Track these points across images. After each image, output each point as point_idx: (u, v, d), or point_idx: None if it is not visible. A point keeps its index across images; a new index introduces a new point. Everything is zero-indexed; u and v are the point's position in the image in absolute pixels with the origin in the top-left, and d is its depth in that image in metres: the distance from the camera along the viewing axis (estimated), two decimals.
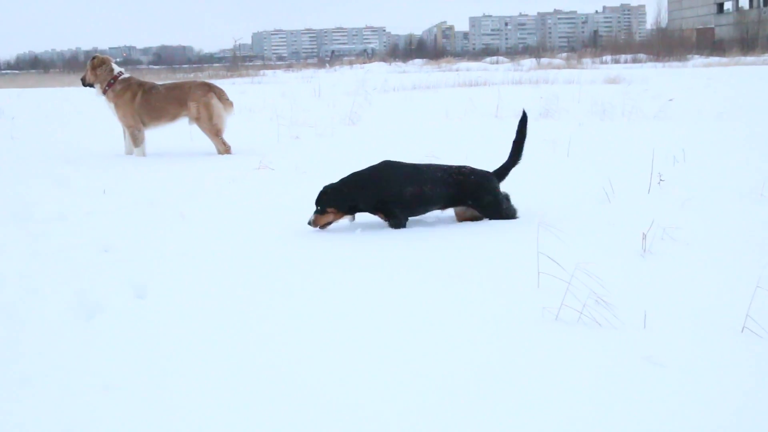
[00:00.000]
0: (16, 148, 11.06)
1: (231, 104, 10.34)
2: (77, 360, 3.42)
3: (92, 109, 16.63)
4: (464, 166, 6.08)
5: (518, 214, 5.97)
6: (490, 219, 5.90)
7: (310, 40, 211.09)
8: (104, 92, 10.32)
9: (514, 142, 6.26)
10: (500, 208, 5.92)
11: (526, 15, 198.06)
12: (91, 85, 10.47)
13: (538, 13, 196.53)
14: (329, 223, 5.77)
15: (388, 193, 5.77)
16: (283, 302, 4.08)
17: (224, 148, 10.05)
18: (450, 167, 6.05)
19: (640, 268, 4.54)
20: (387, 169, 5.93)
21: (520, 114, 6.41)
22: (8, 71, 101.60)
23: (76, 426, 2.84)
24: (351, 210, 5.82)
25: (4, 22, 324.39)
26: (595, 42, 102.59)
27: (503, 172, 6.17)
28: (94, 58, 10.48)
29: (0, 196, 6.92)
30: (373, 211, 5.84)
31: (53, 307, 4.08)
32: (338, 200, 5.73)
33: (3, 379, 3.25)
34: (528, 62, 53.83)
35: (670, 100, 14.21)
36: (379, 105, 17.62)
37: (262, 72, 55.77)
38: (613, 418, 2.79)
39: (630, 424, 2.74)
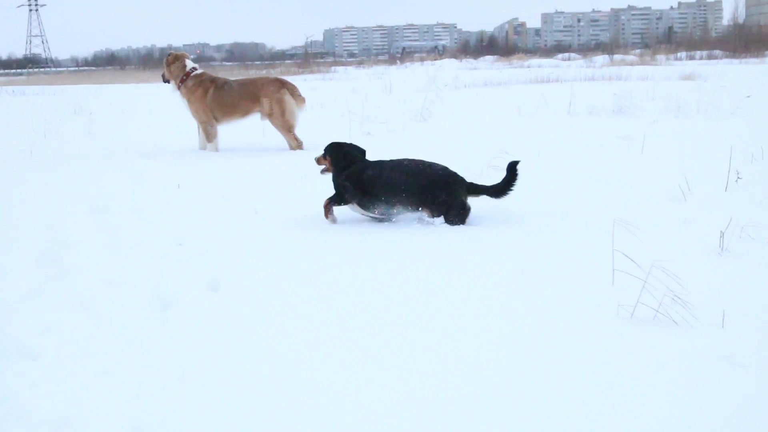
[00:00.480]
0: (93, 143, 11.25)
1: (303, 100, 10.38)
2: (153, 352, 3.47)
3: (167, 105, 16.86)
4: (437, 164, 5.97)
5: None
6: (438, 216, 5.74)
7: (381, 37, 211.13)
8: (178, 88, 10.47)
9: (506, 181, 5.90)
10: (447, 212, 5.73)
11: (599, 11, 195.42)
12: (169, 81, 10.61)
13: (612, 9, 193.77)
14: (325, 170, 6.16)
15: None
16: (356, 297, 4.09)
17: (296, 144, 10.10)
18: (423, 162, 5.97)
19: (718, 267, 4.45)
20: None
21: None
22: (86, 68, 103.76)
23: (151, 417, 2.89)
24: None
25: (83, 20, 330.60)
26: (669, 38, 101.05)
27: (482, 189, 5.94)
28: (169, 54, 10.64)
29: (79, 190, 7.04)
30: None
31: (130, 298, 4.16)
32: (335, 156, 6.05)
33: (82, 370, 3.31)
34: (600, 59, 53.10)
35: (748, 96, 13.89)
36: (450, 102, 17.55)
37: (333, 68, 55.98)
38: (691, 417, 2.74)
39: (709, 425, 2.70)
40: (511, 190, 5.82)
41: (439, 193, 5.70)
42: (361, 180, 5.81)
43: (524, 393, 2.96)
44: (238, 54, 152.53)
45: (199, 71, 10.50)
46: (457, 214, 5.69)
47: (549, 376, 3.09)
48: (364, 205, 5.89)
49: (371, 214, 5.93)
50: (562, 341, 3.44)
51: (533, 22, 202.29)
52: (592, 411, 2.81)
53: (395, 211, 5.83)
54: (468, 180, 5.88)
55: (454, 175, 5.86)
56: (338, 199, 5.92)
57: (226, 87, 10.34)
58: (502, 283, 4.25)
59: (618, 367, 3.15)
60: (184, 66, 10.44)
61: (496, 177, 6.85)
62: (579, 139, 9.91)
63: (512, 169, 5.84)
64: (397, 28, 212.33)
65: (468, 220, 5.71)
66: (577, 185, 6.61)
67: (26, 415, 2.96)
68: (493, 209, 5.92)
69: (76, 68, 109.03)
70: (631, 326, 3.60)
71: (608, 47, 75.01)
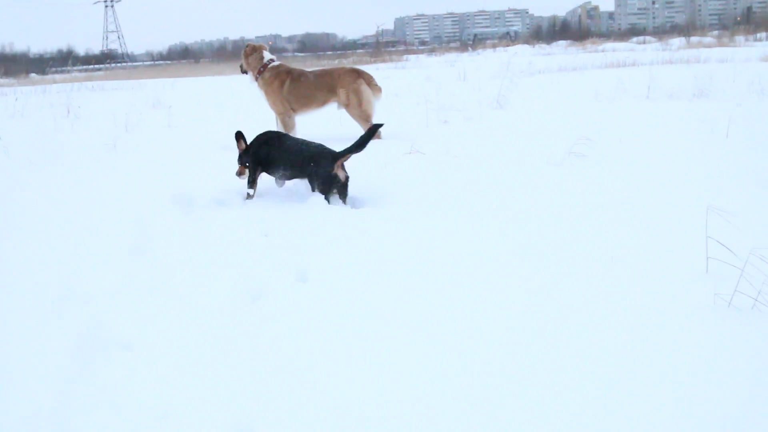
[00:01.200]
0: (174, 135, 11.39)
1: (380, 90, 10.37)
2: (247, 344, 3.51)
3: (243, 97, 17.00)
4: (316, 144, 6.71)
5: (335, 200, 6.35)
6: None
7: (453, 24, 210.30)
8: (256, 79, 10.55)
9: (363, 138, 6.58)
10: (316, 182, 6.39)
11: None
12: (246, 72, 10.70)
13: None
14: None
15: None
16: (450, 288, 4.08)
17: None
18: (307, 142, 6.80)
19: None
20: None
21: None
22: (161, 62, 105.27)
23: (248, 410, 2.92)
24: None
25: (157, 15, 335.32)
26: (748, 19, 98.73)
27: (346, 152, 6.44)
28: (247, 45, 10.71)
29: (163, 182, 7.13)
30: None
31: (220, 290, 4.21)
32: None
33: (177, 362, 3.36)
34: (677, 41, 52.09)
35: None
36: (526, 88, 17.38)
37: (405, 57, 55.88)
38: None
39: None
40: (367, 144, 6.52)
41: (308, 166, 6.41)
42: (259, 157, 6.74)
43: (621, 386, 2.93)
44: (309, 44, 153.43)
45: (276, 63, 10.56)
46: (321, 183, 6.34)
47: (647, 368, 3.04)
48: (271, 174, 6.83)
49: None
50: (659, 331, 3.39)
51: (606, 5, 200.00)
52: (692, 402, 2.77)
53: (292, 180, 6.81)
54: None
55: (321, 149, 6.55)
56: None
57: (303, 78, 10.38)
58: (594, 272, 4.21)
59: (717, 357, 3.09)
60: (262, 57, 10.51)
61: (579, 164, 6.81)
62: (660, 124, 9.74)
63: (373, 129, 6.71)
64: (468, 15, 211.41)
65: (550, 202, 5.67)
66: (663, 171, 6.49)
67: (124, 407, 3.01)
68: (575, 196, 5.86)
69: (152, 62, 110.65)
70: (730, 315, 3.53)
71: (684, 29, 73.58)
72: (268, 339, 3.54)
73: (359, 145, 6.43)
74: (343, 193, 6.35)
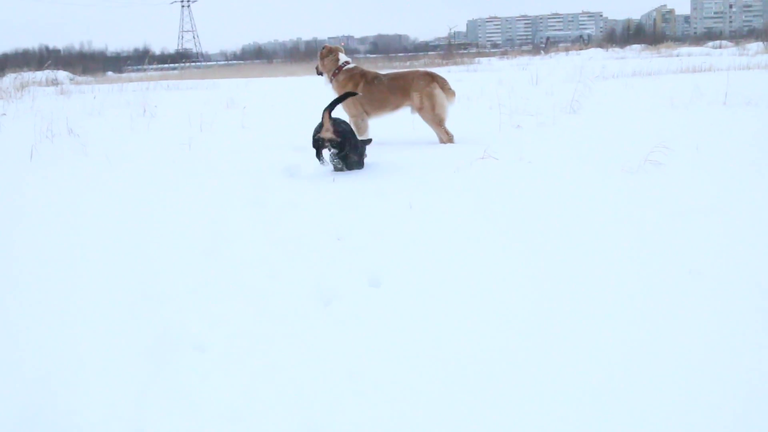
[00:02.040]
0: (248, 136, 11.49)
1: (453, 93, 10.31)
2: (319, 347, 3.51)
3: (316, 98, 17.09)
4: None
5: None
6: None
7: (525, 27, 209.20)
8: (330, 81, 10.59)
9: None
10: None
11: None
12: (322, 74, 10.75)
13: None
14: None
15: None
16: (522, 294, 4.04)
17: (447, 138, 10.06)
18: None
19: None
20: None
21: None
22: (234, 62, 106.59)
23: (322, 414, 2.92)
24: None
25: (231, 15, 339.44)
26: None
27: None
28: (323, 47, 10.75)
29: (236, 183, 7.20)
30: None
31: (293, 292, 4.24)
32: None
33: (251, 364, 3.38)
34: (754, 46, 51.08)
35: None
36: (600, 93, 17.16)
37: (476, 60, 55.70)
38: None
39: None
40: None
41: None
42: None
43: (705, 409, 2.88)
44: (381, 46, 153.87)
45: (351, 65, 10.59)
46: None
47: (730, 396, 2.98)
48: None
49: None
50: (742, 351, 3.32)
51: (682, 8, 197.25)
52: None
53: None
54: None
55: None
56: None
57: (376, 81, 10.38)
58: (670, 286, 4.13)
59: None
60: (337, 59, 10.56)
61: (656, 172, 6.70)
62: (739, 131, 9.54)
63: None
64: (541, 18, 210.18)
65: (626, 211, 5.60)
66: (744, 179, 6.34)
67: (198, 408, 3.03)
68: (651, 205, 5.77)
69: (226, 62, 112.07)
70: None
71: (763, 34, 72.19)
72: (340, 343, 3.54)
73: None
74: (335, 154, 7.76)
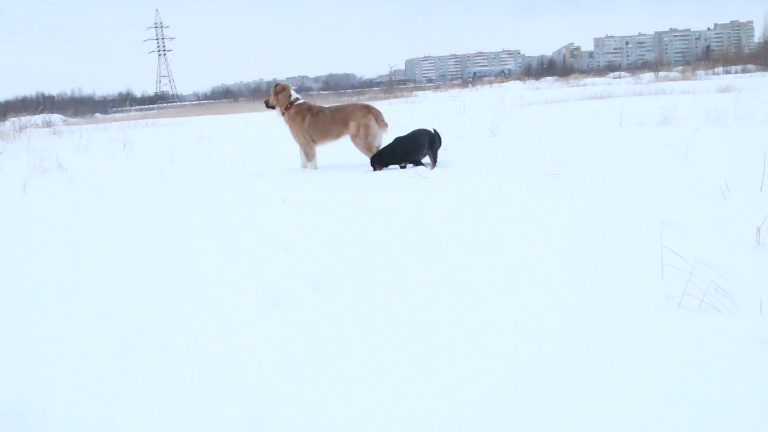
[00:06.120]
0: (212, 165, 11.45)
1: (386, 125, 10.37)
2: (266, 345, 3.52)
3: (273, 130, 17.07)
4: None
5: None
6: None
7: (455, 64, 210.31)
8: (282, 114, 10.63)
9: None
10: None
11: (645, 34, 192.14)
12: (273, 107, 10.76)
13: (656, 32, 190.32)
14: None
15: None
16: (443, 300, 4.08)
17: None
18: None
19: (756, 259, 4.31)
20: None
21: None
22: (205, 101, 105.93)
23: (264, 404, 2.93)
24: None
25: (202, 61, 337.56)
26: (707, 56, 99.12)
27: None
28: (277, 84, 10.76)
29: (201, 205, 7.18)
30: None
31: (245, 298, 4.22)
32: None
33: (202, 360, 3.38)
34: (647, 76, 52.16)
35: None
36: (516, 118, 17.35)
37: (414, 93, 55.93)
38: (733, 396, 2.68)
39: (749, 401, 2.64)
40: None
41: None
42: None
43: (578, 375, 2.93)
44: (332, 83, 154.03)
45: (301, 101, 10.64)
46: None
47: (606, 361, 3.04)
48: None
49: None
50: (618, 328, 3.38)
51: (587, 45, 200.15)
52: (643, 394, 2.76)
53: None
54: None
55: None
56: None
57: (320, 114, 10.43)
58: (561, 277, 4.20)
59: (667, 351, 3.09)
60: (289, 96, 10.60)
61: (558, 184, 6.81)
62: (629, 148, 9.71)
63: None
64: (468, 56, 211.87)
65: (531, 217, 5.68)
66: (628, 189, 6.49)
67: (162, 401, 3.03)
68: (554, 210, 5.86)
69: (198, 102, 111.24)
70: (680, 314, 3.52)
71: (653, 65, 73.69)
72: (284, 341, 3.55)
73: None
74: None
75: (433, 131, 9.93)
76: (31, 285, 4.70)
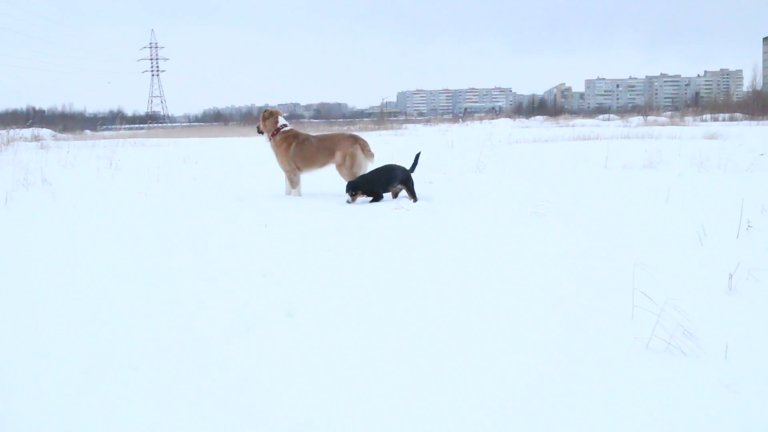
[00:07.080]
0: (197, 187, 11.46)
1: (372, 155, 10.45)
2: (237, 366, 3.53)
3: (260, 156, 17.11)
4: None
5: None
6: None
7: (447, 99, 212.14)
8: (269, 140, 10.67)
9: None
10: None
11: (635, 78, 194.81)
12: (262, 133, 10.81)
13: (646, 77, 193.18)
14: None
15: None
16: (413, 330, 4.10)
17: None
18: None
19: (725, 305, 4.36)
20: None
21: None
22: (196, 123, 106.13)
23: (229, 426, 2.94)
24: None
25: (195, 83, 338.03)
26: (696, 102, 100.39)
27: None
28: (265, 110, 10.81)
29: (182, 227, 7.19)
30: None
31: (219, 321, 4.23)
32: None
33: (172, 379, 3.38)
34: (636, 119, 52.61)
35: (762, 154, 13.59)
36: (503, 155, 17.49)
37: (404, 126, 56.26)
38: None
39: None
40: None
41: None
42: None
43: (546, 414, 2.95)
44: (324, 112, 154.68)
45: (288, 128, 10.68)
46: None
47: (571, 400, 3.07)
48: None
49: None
50: (584, 368, 3.42)
51: (578, 87, 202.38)
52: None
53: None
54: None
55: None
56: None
57: (306, 142, 10.48)
58: (533, 315, 4.23)
59: (632, 393, 3.13)
60: (277, 122, 10.65)
61: (539, 223, 6.86)
62: (612, 190, 9.80)
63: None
64: (460, 92, 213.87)
65: (508, 254, 5.72)
66: (605, 230, 6.56)
67: (126, 419, 3.03)
68: (532, 249, 5.90)
69: (188, 124, 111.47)
70: (646, 356, 3.56)
71: (643, 109, 74.50)
72: (255, 363, 3.56)
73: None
74: None
75: (402, 167, 10.00)
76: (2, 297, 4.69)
